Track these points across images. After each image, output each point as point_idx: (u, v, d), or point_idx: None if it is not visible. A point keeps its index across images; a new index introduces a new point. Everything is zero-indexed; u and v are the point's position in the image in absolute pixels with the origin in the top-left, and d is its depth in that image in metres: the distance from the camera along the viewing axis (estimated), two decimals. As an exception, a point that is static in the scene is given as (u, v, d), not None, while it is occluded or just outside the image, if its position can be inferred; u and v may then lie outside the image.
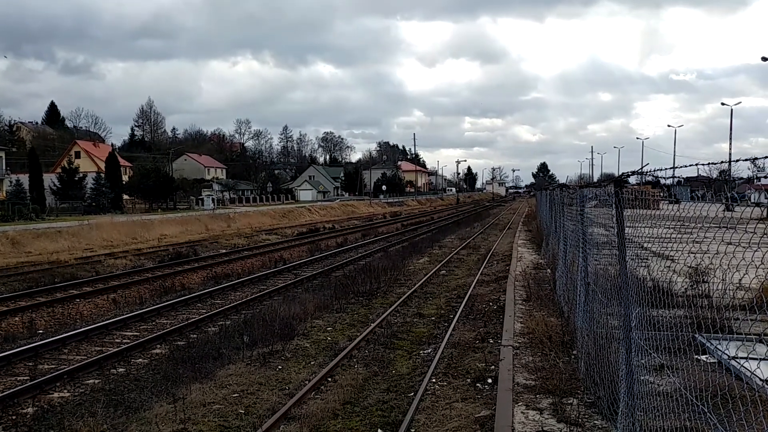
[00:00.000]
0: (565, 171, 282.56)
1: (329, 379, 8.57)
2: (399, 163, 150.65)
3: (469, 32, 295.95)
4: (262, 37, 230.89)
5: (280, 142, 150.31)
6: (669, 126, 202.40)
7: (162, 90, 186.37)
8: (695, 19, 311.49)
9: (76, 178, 59.54)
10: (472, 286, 15.78)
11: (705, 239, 3.53)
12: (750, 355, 2.96)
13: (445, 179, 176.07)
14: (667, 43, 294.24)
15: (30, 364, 9.95)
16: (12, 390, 8.27)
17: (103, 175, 62.08)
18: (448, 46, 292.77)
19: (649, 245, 4.75)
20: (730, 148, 56.61)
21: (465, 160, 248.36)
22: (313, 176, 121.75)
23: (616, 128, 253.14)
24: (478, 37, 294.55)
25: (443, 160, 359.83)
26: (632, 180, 5.02)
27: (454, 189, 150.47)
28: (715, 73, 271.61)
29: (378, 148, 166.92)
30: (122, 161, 75.79)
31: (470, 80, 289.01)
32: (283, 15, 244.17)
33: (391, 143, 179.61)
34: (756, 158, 3.56)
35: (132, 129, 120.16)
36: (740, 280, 3.41)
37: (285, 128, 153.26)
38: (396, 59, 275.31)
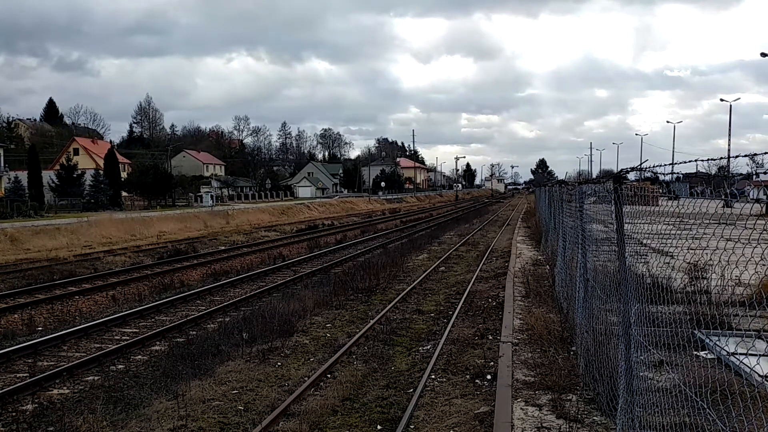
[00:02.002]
0: (562, 167, 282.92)
1: (328, 376, 8.58)
2: (398, 159, 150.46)
3: (463, 29, 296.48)
4: (256, 34, 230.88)
5: (278, 138, 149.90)
6: (668, 122, 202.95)
7: (158, 87, 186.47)
8: (688, 15, 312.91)
9: (75, 175, 59.52)
10: (471, 283, 15.79)
11: (704, 235, 3.53)
12: (749, 351, 2.97)
13: (444, 176, 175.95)
14: (660, 39, 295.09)
15: (29, 361, 9.95)
16: (12, 387, 8.27)
17: (101, 172, 62.04)
18: (442, 43, 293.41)
19: (648, 241, 4.75)
20: (729, 144, 56.62)
21: (464, 157, 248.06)
22: (312, 173, 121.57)
23: (612, 124, 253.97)
24: (472, 33, 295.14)
25: (441, 157, 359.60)
26: (631, 176, 5.01)
27: (460, 185, 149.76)
28: (710, 69, 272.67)
29: (377, 145, 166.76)
30: (121, 158, 75.69)
31: (465, 77, 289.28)
32: (276, 11, 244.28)
33: (389, 140, 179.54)
34: (755, 154, 3.55)
35: (130, 126, 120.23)
36: (739, 276, 3.42)
37: (283, 125, 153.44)
38: (391, 56, 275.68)
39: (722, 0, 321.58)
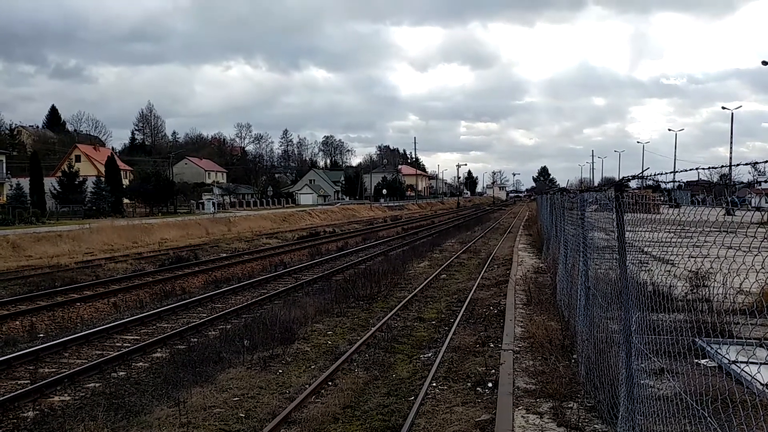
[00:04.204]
0: (562, 175, 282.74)
1: (330, 383, 8.57)
2: (399, 166, 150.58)
3: (460, 37, 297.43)
4: (254, 41, 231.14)
5: (280, 146, 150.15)
6: (669, 130, 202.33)
7: (157, 94, 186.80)
8: (684, 23, 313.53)
9: (77, 182, 59.55)
10: (473, 290, 15.78)
11: (705, 243, 3.54)
12: (750, 360, 2.97)
13: (445, 183, 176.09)
14: (656, 47, 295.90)
15: (31, 367, 9.95)
16: (13, 394, 8.26)
17: (103, 179, 62.13)
18: (439, 51, 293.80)
19: (650, 249, 4.76)
20: (731, 152, 56.60)
21: (465, 164, 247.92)
22: (314, 180, 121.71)
23: (611, 132, 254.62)
24: (468, 41, 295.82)
25: (442, 164, 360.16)
26: (633, 184, 5.03)
27: (468, 192, 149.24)
28: (705, 77, 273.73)
29: (378, 152, 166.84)
30: (123, 165, 75.89)
31: (463, 84, 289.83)
32: (273, 18, 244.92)
33: (390, 147, 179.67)
34: (757, 162, 3.56)
35: (132, 133, 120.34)
36: (741, 284, 3.42)
37: (285, 132, 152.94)
38: (388, 63, 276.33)
39: (717, 9, 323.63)
